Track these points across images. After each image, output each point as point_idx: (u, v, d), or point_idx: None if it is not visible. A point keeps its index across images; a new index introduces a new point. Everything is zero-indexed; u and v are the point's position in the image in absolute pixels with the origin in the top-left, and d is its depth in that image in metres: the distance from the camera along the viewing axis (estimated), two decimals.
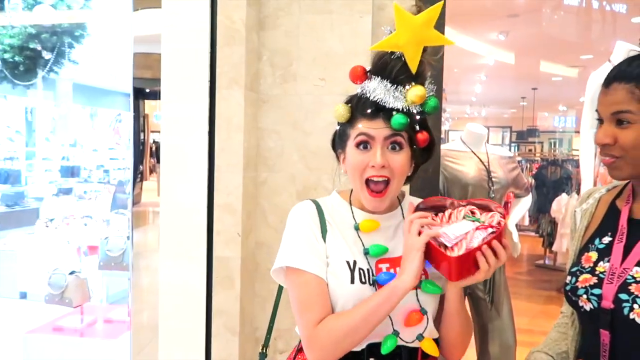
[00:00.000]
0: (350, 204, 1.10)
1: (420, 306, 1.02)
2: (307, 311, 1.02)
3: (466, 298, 2.20)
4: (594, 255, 1.00)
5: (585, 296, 0.97)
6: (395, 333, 1.01)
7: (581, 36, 6.11)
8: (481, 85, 9.22)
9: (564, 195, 4.66)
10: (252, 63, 1.86)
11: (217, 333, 1.84)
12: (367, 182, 1.02)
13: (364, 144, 1.02)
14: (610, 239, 0.99)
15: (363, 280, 1.03)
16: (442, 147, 2.26)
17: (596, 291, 0.95)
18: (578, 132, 11.37)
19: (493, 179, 2.27)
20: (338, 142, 1.10)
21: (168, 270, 1.87)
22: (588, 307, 0.96)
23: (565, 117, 11.51)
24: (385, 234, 1.07)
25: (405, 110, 1.00)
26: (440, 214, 1.02)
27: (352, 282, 1.02)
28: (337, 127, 1.09)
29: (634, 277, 0.90)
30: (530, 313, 2.25)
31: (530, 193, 2.62)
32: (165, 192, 1.86)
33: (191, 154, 1.84)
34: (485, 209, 1.01)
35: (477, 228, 0.95)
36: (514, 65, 7.01)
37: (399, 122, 0.98)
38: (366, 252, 1.04)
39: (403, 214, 1.10)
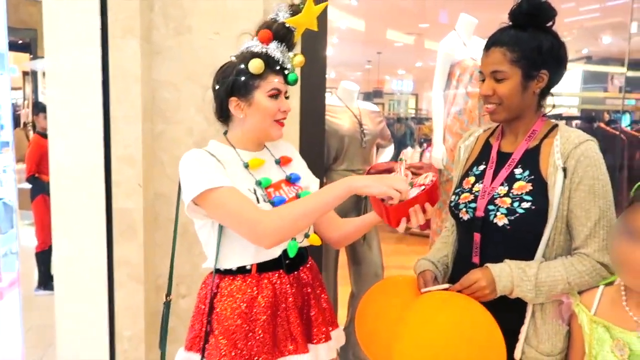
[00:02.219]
0: (234, 148, 1.30)
1: None
2: (249, 209, 1.17)
3: None
4: (472, 179, 1.31)
5: (464, 209, 1.28)
6: (294, 238, 1.29)
7: (419, 6, 6.81)
8: (332, 48, 9.70)
9: (409, 148, 5.30)
10: (145, 13, 1.84)
11: (121, 283, 1.86)
12: (275, 121, 1.29)
13: (276, 95, 1.27)
14: (484, 166, 1.31)
15: (265, 200, 1.26)
16: None
17: (472, 205, 1.27)
18: (414, 94, 12.67)
19: (365, 131, 2.58)
20: (240, 91, 1.26)
21: (63, 224, 1.82)
22: (466, 217, 1.28)
23: (403, 80, 12.70)
24: (264, 167, 1.32)
25: (292, 70, 1.31)
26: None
27: (258, 202, 1.24)
28: (236, 78, 1.25)
29: (498, 194, 1.23)
30: (385, 252, 2.69)
31: (392, 143, 3.02)
32: (55, 143, 1.78)
33: (84, 106, 1.79)
34: (419, 169, 1.33)
35: (413, 186, 1.23)
36: (363, 32, 7.52)
37: (294, 79, 1.30)
38: (259, 183, 1.27)
39: (270, 152, 1.37)
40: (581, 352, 1.13)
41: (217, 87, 1.31)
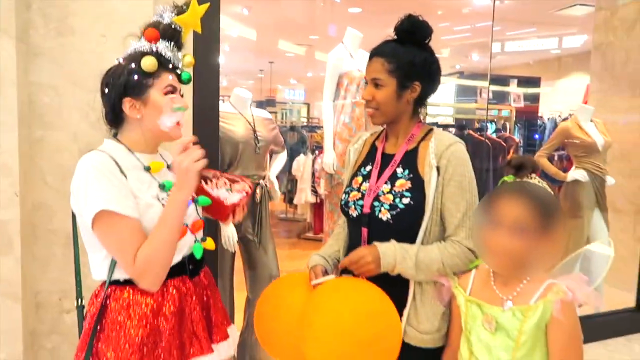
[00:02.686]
0: (131, 151, 1.27)
1: (200, 216, 1.36)
2: (124, 251, 1.16)
3: (238, 241, 2.52)
4: (360, 179, 1.43)
5: (353, 206, 1.39)
6: (198, 241, 1.31)
7: (309, 19, 7.05)
8: (224, 56, 9.63)
9: (301, 155, 5.43)
10: (20, 12, 1.72)
11: None
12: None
13: (172, 92, 1.26)
14: (370, 167, 1.43)
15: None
16: None
17: (360, 202, 1.38)
18: (305, 104, 12.98)
19: (259, 137, 2.62)
20: (134, 90, 1.22)
21: None
22: (355, 214, 1.39)
23: (295, 90, 12.96)
24: (162, 171, 1.32)
25: (182, 69, 1.31)
26: (209, 181, 1.45)
27: (164, 207, 1.24)
28: (129, 78, 1.21)
29: (382, 191, 1.35)
30: (280, 257, 2.77)
31: (285, 149, 3.10)
32: None
33: None
34: (234, 181, 1.50)
35: (230, 194, 1.45)
36: (255, 41, 7.58)
37: (188, 77, 1.31)
38: (162, 187, 1.27)
39: (162, 157, 1.38)
40: (459, 329, 1.28)
41: (106, 90, 1.25)
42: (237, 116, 2.61)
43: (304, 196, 5.25)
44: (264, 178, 2.66)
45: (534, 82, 8.60)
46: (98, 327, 1.20)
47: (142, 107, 1.24)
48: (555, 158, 4.94)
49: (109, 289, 1.22)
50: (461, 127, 4.04)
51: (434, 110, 5.71)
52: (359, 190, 1.41)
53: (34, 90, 1.80)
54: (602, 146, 3.38)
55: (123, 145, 1.27)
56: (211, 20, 2.11)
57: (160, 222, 1.19)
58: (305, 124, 6.77)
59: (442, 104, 6.15)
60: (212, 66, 2.14)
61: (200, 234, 1.35)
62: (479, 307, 1.21)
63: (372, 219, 1.35)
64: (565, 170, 3.64)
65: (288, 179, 5.63)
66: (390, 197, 1.33)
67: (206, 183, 1.45)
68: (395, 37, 1.38)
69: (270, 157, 2.95)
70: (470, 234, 1.31)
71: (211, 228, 2.12)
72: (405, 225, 1.33)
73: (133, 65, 1.22)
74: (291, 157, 5.44)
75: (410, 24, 1.35)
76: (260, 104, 10.26)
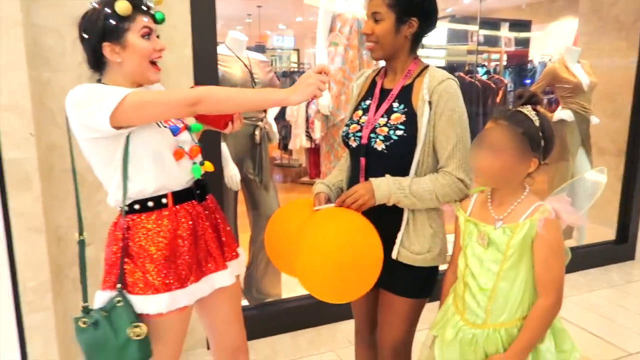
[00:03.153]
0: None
1: (195, 142, 1.44)
2: (169, 91, 1.29)
3: (241, 181, 2.64)
4: (360, 112, 1.53)
5: (353, 138, 1.50)
6: (197, 163, 1.40)
7: None
8: None
9: None
10: None
11: (20, 235, 1.82)
12: (152, 62, 1.32)
13: (148, 35, 1.30)
14: (370, 101, 1.52)
15: (164, 126, 1.35)
16: None
17: (358, 134, 1.49)
18: (295, 50, 12.73)
19: (255, 80, 2.68)
20: (112, 35, 1.25)
21: None
22: (354, 145, 1.50)
23: (284, 36, 12.70)
24: None
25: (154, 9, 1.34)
26: None
27: (159, 127, 1.33)
28: (105, 23, 1.24)
29: (379, 124, 1.45)
30: None
31: None
32: None
33: None
34: None
35: None
36: None
37: (162, 17, 1.34)
38: None
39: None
40: (459, 247, 1.42)
41: (85, 35, 1.28)
42: (233, 59, 2.65)
43: (298, 141, 5.33)
44: (262, 120, 2.74)
45: (525, 25, 8.55)
46: (124, 253, 1.30)
47: (121, 50, 1.27)
48: (545, 102, 5.05)
49: (128, 218, 1.31)
50: (451, 70, 4.09)
51: (426, 52, 5.72)
52: (358, 122, 1.51)
53: (37, 32, 1.84)
54: (587, 86, 3.48)
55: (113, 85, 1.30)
56: None
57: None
58: (296, 69, 6.76)
59: (434, 46, 6.14)
60: (209, 10, 2.17)
61: (199, 159, 1.43)
62: (475, 225, 1.34)
63: (369, 149, 1.46)
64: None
65: (282, 125, 5.68)
66: (386, 129, 1.42)
67: None
68: None
69: None
70: (460, 165, 1.42)
71: (215, 174, 2.21)
72: (398, 156, 1.43)
73: (108, 9, 1.24)
74: None
75: None
76: (252, 50, 10.08)
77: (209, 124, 1.51)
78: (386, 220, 1.43)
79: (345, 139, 1.54)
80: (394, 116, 1.44)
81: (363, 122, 1.50)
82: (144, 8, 1.29)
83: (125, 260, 1.30)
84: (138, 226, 1.32)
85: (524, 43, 8.26)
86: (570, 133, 3.48)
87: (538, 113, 1.26)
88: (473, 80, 3.87)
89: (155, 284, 1.28)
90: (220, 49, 2.68)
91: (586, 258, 3.56)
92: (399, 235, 1.47)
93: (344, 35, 2.91)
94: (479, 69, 5.18)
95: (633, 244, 3.76)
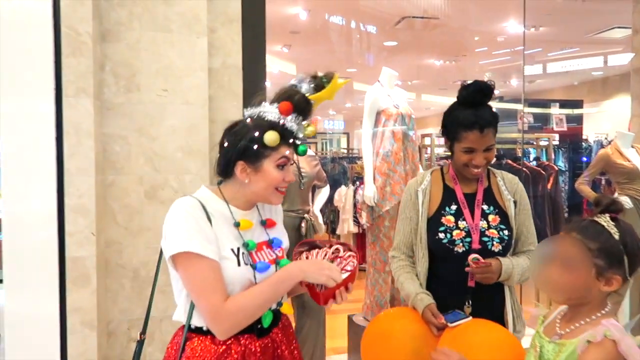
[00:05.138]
0: (227, 203, 1.30)
1: None
2: (213, 292, 1.19)
3: None
4: (451, 218, 1.65)
5: (460, 244, 1.62)
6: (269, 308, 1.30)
7: (345, 52, 7.30)
8: (266, 91, 9.98)
9: (343, 187, 5.57)
10: (97, 73, 1.98)
11: (74, 330, 1.91)
12: (277, 189, 1.30)
13: (284, 165, 1.28)
14: (456, 206, 1.66)
15: (246, 262, 1.26)
16: None
17: (467, 239, 1.62)
18: (345, 133, 13.16)
19: (302, 174, 2.80)
20: (250, 157, 1.26)
21: (14, 277, 1.86)
22: (462, 250, 1.61)
23: (334, 120, 13.21)
24: (252, 230, 1.32)
25: (304, 140, 1.33)
26: (314, 251, 1.39)
27: (239, 265, 1.25)
28: (248, 145, 1.24)
29: (483, 227, 1.63)
30: None
31: (328, 184, 3.25)
32: (9, 196, 1.85)
33: (37, 160, 1.87)
34: (346, 249, 1.38)
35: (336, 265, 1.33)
36: (295, 75, 7.88)
37: (303, 150, 1.32)
38: (246, 246, 1.28)
39: (259, 211, 1.38)
40: None
41: (225, 144, 1.29)
42: None
43: (346, 226, 5.37)
44: (308, 212, 2.82)
45: (577, 104, 8.49)
46: None
47: (252, 173, 1.27)
48: (603, 182, 4.88)
49: (188, 334, 1.26)
50: (498, 157, 4.07)
51: None
52: (458, 228, 1.63)
53: (107, 140, 2.04)
54: None
55: (219, 197, 1.30)
56: (258, 60, 2.33)
57: (265, 284, 1.23)
58: (345, 154, 6.98)
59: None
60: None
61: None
62: (539, 336, 1.24)
63: (483, 253, 1.61)
64: None
65: (330, 209, 5.77)
66: (495, 232, 1.63)
67: (309, 252, 1.40)
68: (470, 100, 1.63)
69: (314, 191, 3.11)
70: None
71: None
72: (507, 252, 1.66)
73: (257, 133, 1.23)
74: (333, 188, 5.58)
75: (484, 88, 1.64)
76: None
77: (308, 293, 1.34)
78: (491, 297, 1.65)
79: (449, 245, 1.62)
80: (490, 218, 1.65)
81: (463, 228, 1.63)
82: (291, 141, 1.27)
83: None
84: (189, 346, 1.26)
85: (577, 121, 8.16)
86: (629, 219, 3.31)
87: (618, 223, 1.12)
88: (520, 167, 3.83)
89: None
90: None
91: None
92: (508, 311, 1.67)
93: (387, 128, 3.02)
94: (529, 153, 5.13)
95: None
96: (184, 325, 1.28)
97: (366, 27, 6.58)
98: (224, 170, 1.30)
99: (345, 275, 1.27)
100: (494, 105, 1.67)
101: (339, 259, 1.35)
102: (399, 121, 3.01)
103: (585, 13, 5.40)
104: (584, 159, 7.19)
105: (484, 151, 1.61)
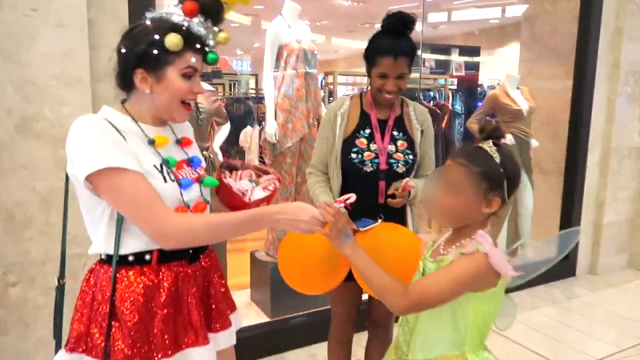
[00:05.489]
0: (136, 121, 1.19)
1: (204, 198, 1.27)
2: (154, 203, 1.09)
3: None
4: (364, 140, 1.76)
5: (370, 164, 1.74)
6: None
7: None
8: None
9: (248, 127, 5.46)
10: None
11: None
12: (183, 102, 1.20)
13: (190, 75, 1.16)
14: (369, 130, 1.78)
15: (172, 179, 1.18)
16: None
17: (375, 160, 1.75)
18: (254, 74, 12.79)
19: (200, 109, 2.67)
20: (150, 64, 1.13)
21: None
22: (369, 169, 1.74)
23: (242, 60, 12.76)
24: (167, 146, 1.22)
25: (214, 47, 1.19)
26: (238, 172, 1.40)
27: (165, 181, 1.16)
28: (147, 50, 1.11)
29: (391, 150, 1.76)
30: None
31: (228, 121, 3.15)
32: None
33: None
34: (265, 172, 1.42)
35: (254, 187, 1.37)
36: None
37: (213, 59, 1.19)
38: (166, 162, 1.19)
39: (172, 130, 1.28)
40: None
41: (122, 50, 1.15)
42: None
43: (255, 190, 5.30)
44: (207, 149, 2.72)
45: (475, 51, 8.89)
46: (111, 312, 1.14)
47: (154, 82, 1.15)
48: (493, 122, 5.20)
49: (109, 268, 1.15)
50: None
51: None
52: (369, 150, 1.75)
53: None
54: (526, 112, 3.63)
55: (126, 115, 1.19)
56: None
57: (233, 217, 1.15)
58: (253, 95, 6.76)
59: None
60: None
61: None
62: (423, 258, 1.31)
63: (389, 173, 1.75)
64: None
65: (236, 150, 5.65)
66: (401, 155, 1.77)
67: (230, 173, 1.37)
68: (388, 29, 1.70)
69: (213, 128, 3.00)
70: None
71: None
72: (409, 175, 1.80)
73: (156, 36, 1.11)
74: (239, 129, 5.46)
75: (405, 17, 1.69)
76: (207, 75, 10.05)
77: (229, 210, 1.33)
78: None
79: (359, 164, 1.74)
80: (399, 142, 1.78)
81: (374, 149, 1.75)
82: (198, 46, 1.15)
83: (110, 326, 1.14)
84: (120, 280, 1.15)
85: (474, 67, 8.58)
86: None
87: (500, 148, 1.18)
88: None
89: (125, 351, 1.11)
90: None
91: None
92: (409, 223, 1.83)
93: (290, 64, 2.95)
94: (430, 93, 5.33)
95: (574, 260, 3.91)
96: (101, 259, 1.18)
97: None
98: (122, 80, 1.18)
99: (266, 193, 1.35)
100: None
101: (262, 178, 1.41)
102: (301, 57, 2.95)
103: None
104: (479, 103, 7.65)
105: (395, 78, 1.70)
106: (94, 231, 1.18)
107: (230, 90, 10.60)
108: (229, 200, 1.34)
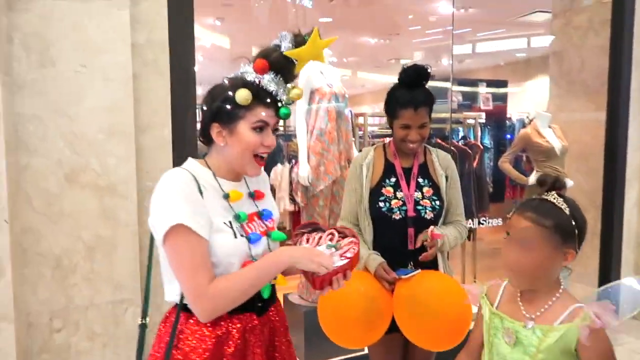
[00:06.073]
0: (214, 174, 1.25)
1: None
2: (198, 273, 1.13)
3: None
4: (390, 189, 1.83)
5: (398, 212, 1.81)
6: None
7: (283, 26, 7.16)
8: (198, 66, 9.64)
9: (278, 165, 5.53)
10: (2, 45, 1.81)
11: None
12: (256, 155, 1.25)
13: (261, 128, 1.23)
14: (395, 179, 1.85)
15: (241, 235, 1.22)
16: None
17: (403, 208, 1.81)
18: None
19: None
20: (223, 118, 1.22)
21: None
22: (398, 217, 1.80)
23: None
24: (241, 202, 1.28)
25: (288, 102, 1.25)
26: (315, 234, 1.31)
27: (235, 237, 1.21)
28: (221, 105, 1.20)
29: (418, 198, 1.83)
30: None
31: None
32: None
33: None
34: (344, 235, 1.31)
35: (332, 254, 1.25)
36: (229, 49, 7.67)
37: (285, 113, 1.25)
38: (237, 217, 1.23)
39: (247, 183, 1.33)
40: (479, 334, 1.34)
41: (204, 107, 1.25)
42: None
43: (282, 204, 5.34)
44: None
45: (502, 84, 8.88)
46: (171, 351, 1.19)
47: (227, 135, 1.22)
48: (524, 159, 5.16)
49: (181, 315, 1.21)
50: (429, 136, 4.20)
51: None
52: (396, 198, 1.82)
53: (19, 120, 1.88)
54: (559, 150, 3.59)
55: (206, 168, 1.26)
56: (186, 32, 2.22)
57: (253, 268, 1.18)
58: (282, 132, 6.94)
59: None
60: (187, 79, 2.22)
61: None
62: (501, 320, 1.25)
63: (417, 220, 1.80)
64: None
65: None
66: (428, 201, 1.82)
67: (307, 239, 1.31)
68: (406, 82, 1.80)
69: None
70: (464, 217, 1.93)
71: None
72: (438, 221, 1.86)
73: (229, 92, 1.20)
74: (269, 166, 5.54)
75: (420, 70, 1.80)
76: None
77: (305, 278, 1.29)
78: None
79: (388, 213, 1.80)
80: (425, 189, 1.85)
81: (401, 197, 1.80)
82: (268, 100, 1.21)
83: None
84: (184, 328, 1.21)
85: (502, 100, 8.55)
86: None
87: (566, 199, 1.18)
88: (448, 145, 3.99)
89: None
90: None
91: None
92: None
93: (321, 108, 3.01)
94: (458, 131, 5.33)
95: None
96: (176, 305, 1.23)
97: (302, 1, 6.49)
98: (203, 134, 1.28)
99: (344, 261, 1.23)
100: (434, 84, 1.88)
101: (343, 242, 1.29)
102: (332, 100, 3.02)
103: None
104: (508, 136, 7.59)
105: (418, 128, 1.78)
106: (169, 280, 1.23)
107: None
108: (304, 273, 1.27)
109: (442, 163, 1.91)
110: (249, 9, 6.26)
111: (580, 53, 4.14)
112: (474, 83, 8.11)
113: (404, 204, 1.80)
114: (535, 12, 6.05)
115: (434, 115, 1.93)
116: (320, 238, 1.31)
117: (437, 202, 1.83)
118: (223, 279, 1.17)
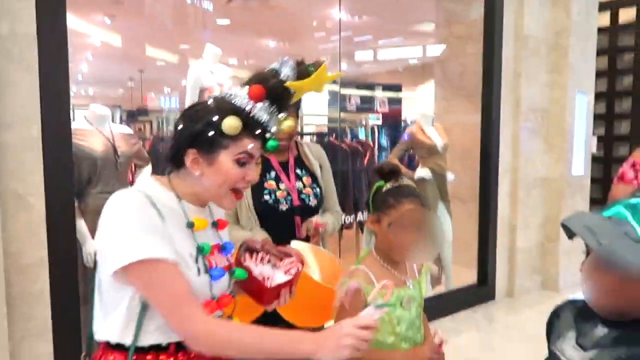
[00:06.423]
0: (179, 198, 1.10)
1: (232, 291, 1.20)
2: (185, 305, 1.00)
3: None
4: (273, 182, 1.86)
5: (284, 202, 1.85)
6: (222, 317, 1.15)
7: (178, 27, 6.96)
8: (87, 65, 9.05)
9: None
10: None
11: None
12: (234, 189, 1.11)
13: (244, 161, 1.08)
14: (274, 173, 1.88)
15: (205, 271, 1.08)
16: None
17: (289, 198, 1.86)
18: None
19: (119, 153, 2.63)
20: (203, 145, 1.06)
21: None
22: (285, 207, 1.84)
23: (170, 97, 12.62)
24: (205, 231, 1.14)
25: (277, 133, 1.12)
26: (256, 255, 1.25)
27: (199, 274, 1.07)
28: (203, 130, 1.04)
29: (300, 187, 1.88)
30: None
31: (150, 163, 3.10)
32: None
33: None
34: (286, 255, 1.26)
35: (275, 271, 1.23)
36: (121, 48, 7.31)
37: (273, 146, 1.11)
38: (201, 250, 1.09)
39: (210, 210, 1.19)
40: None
41: (179, 126, 1.08)
42: (93, 132, 2.59)
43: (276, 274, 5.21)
44: None
45: (397, 87, 9.37)
46: None
47: (205, 165, 1.07)
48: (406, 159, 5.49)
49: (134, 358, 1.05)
50: (321, 135, 4.43)
51: (309, 120, 5.99)
52: (279, 189, 1.86)
53: None
54: (441, 147, 3.87)
55: (169, 190, 1.10)
56: (61, 29, 2.09)
57: (271, 339, 1.01)
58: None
59: (312, 114, 6.48)
60: (60, 83, 2.09)
61: (228, 311, 1.18)
62: (398, 296, 1.37)
63: (303, 208, 1.87)
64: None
65: None
66: (310, 189, 1.90)
67: (251, 256, 1.25)
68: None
69: (135, 170, 2.95)
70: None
71: (72, 254, 2.06)
72: (320, 207, 1.94)
73: (215, 117, 1.04)
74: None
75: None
76: (132, 114, 9.88)
77: (249, 295, 1.25)
78: None
79: (274, 204, 1.83)
80: (304, 179, 1.92)
81: (284, 189, 1.86)
82: (257, 132, 1.07)
83: None
84: None
85: (398, 103, 9.02)
86: (430, 189, 3.81)
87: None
88: (339, 144, 4.18)
89: None
90: (79, 123, 2.61)
91: (453, 302, 3.83)
92: None
93: None
94: (357, 130, 5.55)
95: (493, 284, 4.13)
96: (109, 345, 1.06)
97: (201, 2, 6.35)
98: (174, 157, 1.09)
99: (288, 277, 1.21)
100: (331, 88, 1.97)
101: (283, 262, 1.26)
102: None
103: (399, 5, 5.96)
104: (406, 136, 8.03)
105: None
106: (104, 315, 1.07)
107: (159, 127, 10.39)
108: (248, 285, 1.23)
109: (315, 154, 2.01)
110: (141, 7, 6.03)
111: (461, 60, 4.49)
112: (371, 86, 8.48)
113: (289, 194, 1.87)
114: (425, 21, 6.47)
115: (329, 115, 2.07)
116: (262, 258, 1.26)
117: (317, 189, 1.94)
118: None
